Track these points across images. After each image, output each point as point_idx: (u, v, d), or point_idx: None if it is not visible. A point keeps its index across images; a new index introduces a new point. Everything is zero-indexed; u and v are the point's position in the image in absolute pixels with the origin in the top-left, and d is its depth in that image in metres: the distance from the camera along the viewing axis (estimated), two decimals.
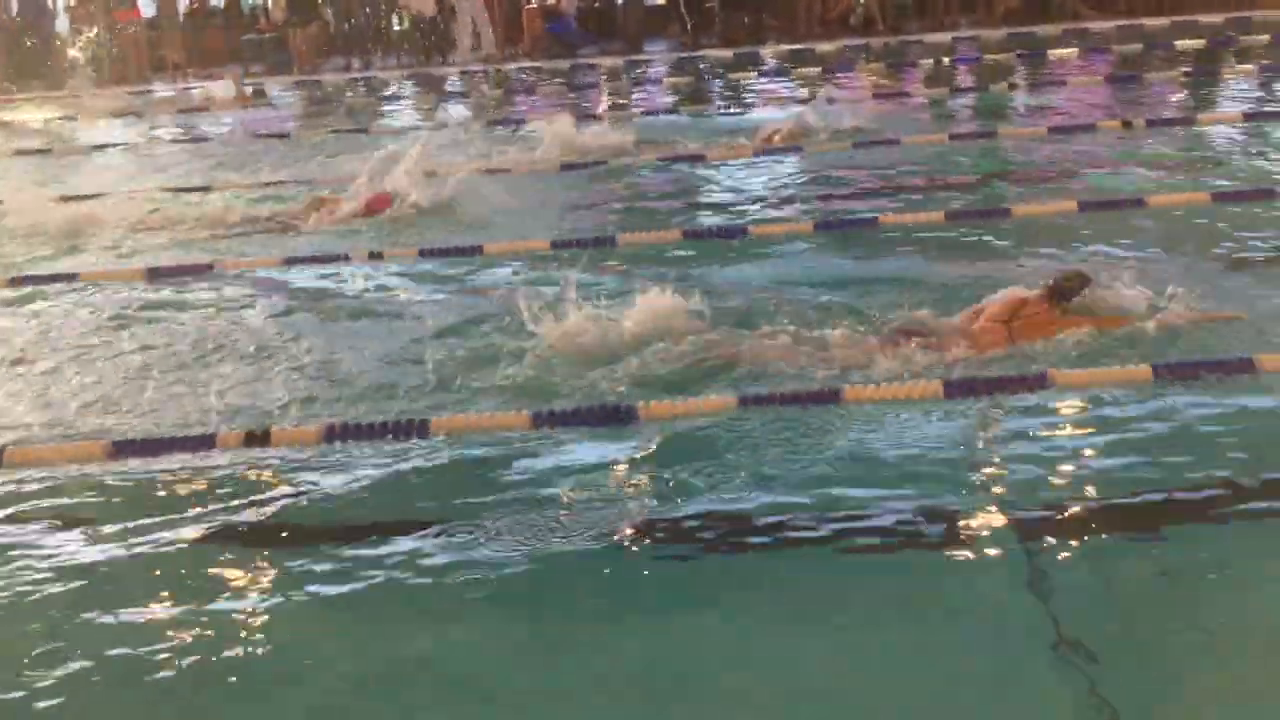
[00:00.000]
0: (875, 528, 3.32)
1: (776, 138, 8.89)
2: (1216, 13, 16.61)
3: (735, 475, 3.60)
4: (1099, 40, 15.47)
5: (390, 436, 3.98)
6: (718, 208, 7.50)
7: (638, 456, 3.79)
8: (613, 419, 3.97)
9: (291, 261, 6.53)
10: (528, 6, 19.04)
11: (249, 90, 16.06)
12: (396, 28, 19.18)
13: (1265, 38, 14.39)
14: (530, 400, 4.18)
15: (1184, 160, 7.99)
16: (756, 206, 7.40)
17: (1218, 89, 11.37)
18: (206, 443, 4.04)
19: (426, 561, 3.26)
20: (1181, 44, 14.25)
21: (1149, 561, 3.10)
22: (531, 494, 3.59)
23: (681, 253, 6.36)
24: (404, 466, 3.84)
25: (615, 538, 3.30)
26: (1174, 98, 10.83)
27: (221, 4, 20.55)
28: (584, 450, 3.86)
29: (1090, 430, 3.90)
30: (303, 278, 6.30)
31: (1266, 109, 9.61)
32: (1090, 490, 3.54)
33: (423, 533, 3.40)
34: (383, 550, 3.34)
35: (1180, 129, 9.00)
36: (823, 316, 4.82)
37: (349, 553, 3.34)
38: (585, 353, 4.46)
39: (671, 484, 3.61)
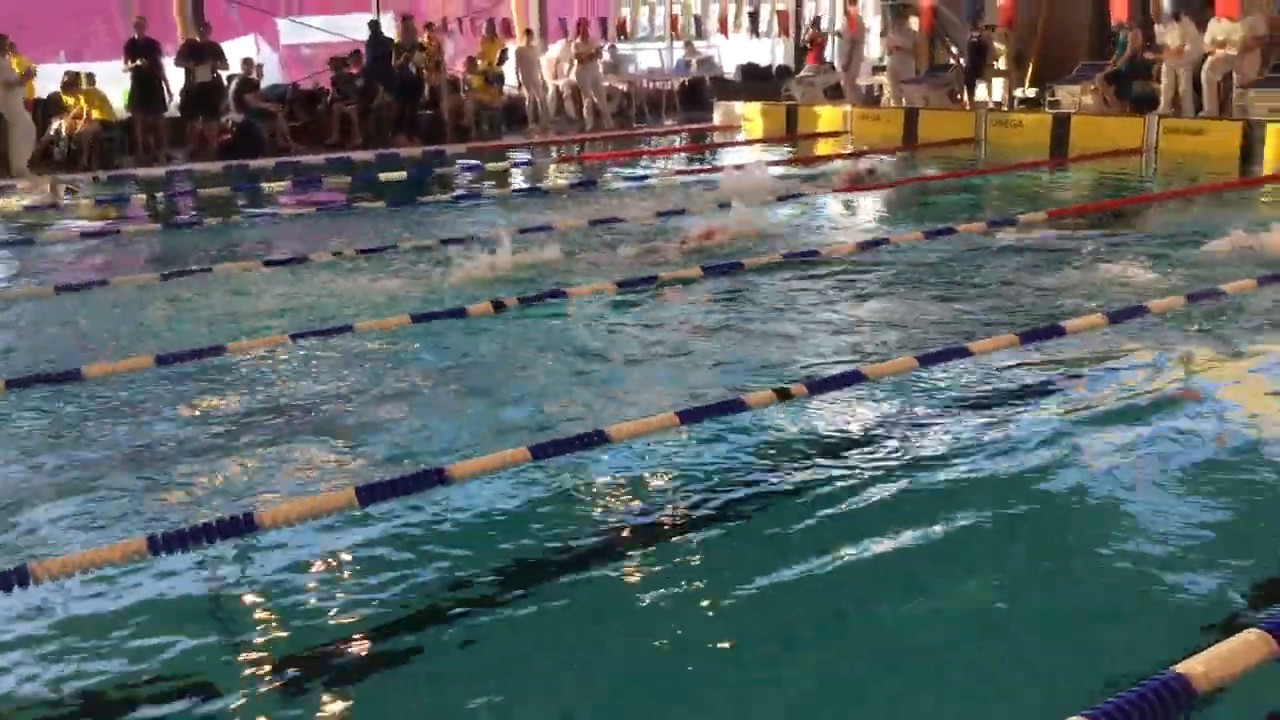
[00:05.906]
0: None
1: None
2: (416, 147, 18.33)
3: None
4: (311, 171, 16.11)
5: None
6: None
7: None
8: None
9: None
10: None
11: None
12: None
13: (457, 167, 16.29)
14: None
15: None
16: None
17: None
18: None
19: None
20: (385, 176, 15.28)
21: None
22: None
23: None
24: None
25: None
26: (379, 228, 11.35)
27: None
28: None
29: None
30: None
31: (478, 233, 10.31)
32: None
33: None
34: None
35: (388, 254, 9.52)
36: None
37: None
38: None
39: None
